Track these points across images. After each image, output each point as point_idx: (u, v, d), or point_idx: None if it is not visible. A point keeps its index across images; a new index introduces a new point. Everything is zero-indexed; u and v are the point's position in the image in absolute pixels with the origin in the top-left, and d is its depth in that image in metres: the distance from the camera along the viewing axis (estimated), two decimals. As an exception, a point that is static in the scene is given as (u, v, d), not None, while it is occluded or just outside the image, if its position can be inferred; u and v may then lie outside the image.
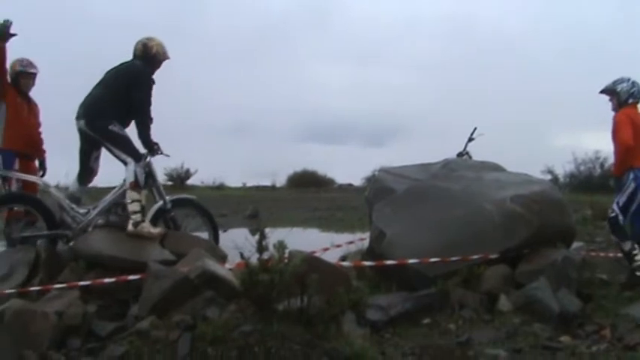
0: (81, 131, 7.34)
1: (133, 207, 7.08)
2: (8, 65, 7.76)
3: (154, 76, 7.59)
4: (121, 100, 7.25)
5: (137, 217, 7.05)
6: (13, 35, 7.45)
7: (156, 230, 7.17)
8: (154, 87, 7.50)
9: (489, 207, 6.95)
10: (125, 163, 7.19)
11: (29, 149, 8.00)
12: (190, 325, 4.93)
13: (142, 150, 7.36)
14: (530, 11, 64.48)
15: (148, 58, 7.55)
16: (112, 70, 7.53)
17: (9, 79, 7.85)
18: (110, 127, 7.15)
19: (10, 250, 7.12)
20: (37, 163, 8.30)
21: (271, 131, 54.07)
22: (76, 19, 53.80)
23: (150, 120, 7.39)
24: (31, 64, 8.00)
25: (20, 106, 7.86)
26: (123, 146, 7.22)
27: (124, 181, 7.23)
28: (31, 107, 8.11)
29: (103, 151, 7.45)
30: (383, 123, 54.66)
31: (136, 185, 7.13)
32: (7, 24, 7.34)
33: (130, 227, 7.02)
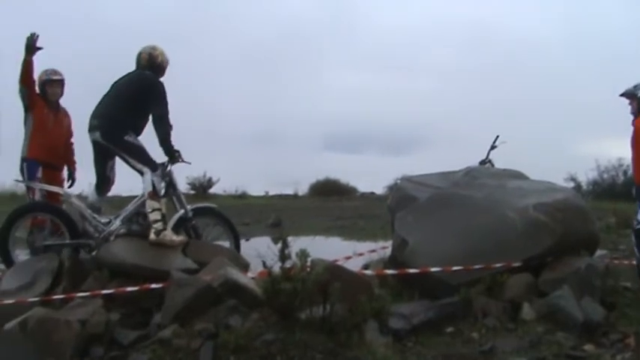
0: (95, 143, 7.40)
1: (154, 216, 7.11)
2: (36, 77, 7.92)
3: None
4: (135, 109, 7.34)
5: (159, 225, 7.08)
6: (39, 49, 7.61)
7: (178, 238, 7.19)
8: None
9: (512, 215, 6.90)
10: (141, 173, 7.25)
11: (53, 159, 8.09)
12: (213, 333, 4.95)
13: (161, 158, 7.44)
14: (553, 18, 64.10)
15: (154, 67, 7.64)
16: (121, 80, 7.62)
17: (37, 90, 8.02)
18: (126, 138, 7.22)
19: (33, 258, 7.17)
20: (65, 172, 8.41)
21: (293, 140, 54.04)
22: (95, 28, 54.09)
23: (170, 127, 7.44)
24: (55, 72, 8.13)
25: (46, 116, 7.99)
26: (138, 156, 7.27)
27: (160, 197, 7.30)
28: (59, 117, 8.21)
29: (119, 161, 7.51)
30: (405, 131, 54.49)
31: (154, 194, 7.17)
32: (33, 37, 7.50)
33: (152, 236, 7.04)
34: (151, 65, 7.60)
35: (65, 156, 8.37)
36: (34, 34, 7.53)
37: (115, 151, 7.33)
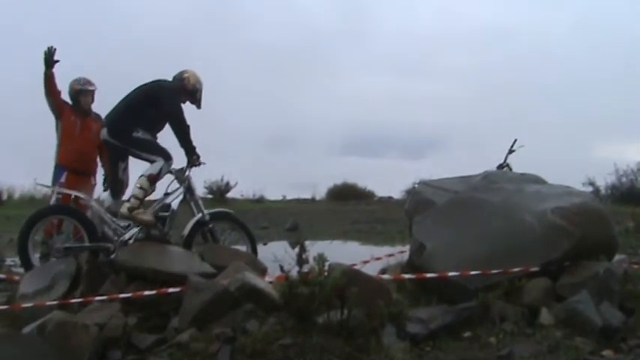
0: (105, 142, 7.54)
1: (138, 193, 7.31)
2: (67, 86, 8.30)
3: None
4: (145, 111, 7.53)
5: (135, 203, 7.30)
6: (57, 62, 7.82)
7: (147, 218, 7.37)
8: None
9: (530, 219, 6.86)
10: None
11: (80, 164, 8.31)
12: (230, 337, 4.95)
13: (181, 162, 7.56)
14: (570, 21, 63.66)
15: (178, 81, 7.83)
16: (137, 87, 7.76)
17: (69, 99, 8.39)
18: (134, 134, 7.38)
19: (52, 262, 7.22)
20: (98, 177, 8.67)
21: (311, 144, 54.03)
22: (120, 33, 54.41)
23: (187, 127, 7.56)
24: (88, 82, 8.48)
25: (74, 123, 8.28)
26: (150, 148, 7.46)
27: (155, 185, 7.52)
28: (87, 124, 8.45)
29: (132, 164, 7.65)
30: (422, 135, 54.39)
31: (154, 178, 7.31)
32: (51, 51, 7.73)
33: (123, 209, 7.25)
34: (179, 81, 7.82)
35: (96, 161, 8.54)
36: (52, 47, 7.76)
37: (125, 149, 7.46)
